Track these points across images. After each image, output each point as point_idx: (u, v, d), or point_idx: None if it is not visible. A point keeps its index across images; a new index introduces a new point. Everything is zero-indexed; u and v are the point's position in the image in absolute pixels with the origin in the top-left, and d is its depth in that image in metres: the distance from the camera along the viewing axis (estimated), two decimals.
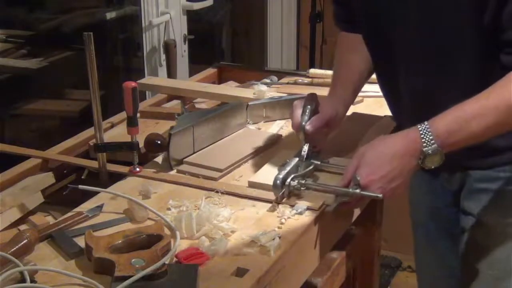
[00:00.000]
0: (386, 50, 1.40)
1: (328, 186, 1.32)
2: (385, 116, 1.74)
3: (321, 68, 2.24)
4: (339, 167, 1.37)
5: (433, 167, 1.23)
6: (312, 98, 1.42)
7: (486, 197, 1.42)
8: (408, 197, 1.68)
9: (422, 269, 1.73)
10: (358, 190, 1.23)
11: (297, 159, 1.35)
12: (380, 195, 1.22)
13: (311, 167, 1.36)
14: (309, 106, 1.39)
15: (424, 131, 1.22)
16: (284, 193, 1.29)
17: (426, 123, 1.23)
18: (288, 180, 1.29)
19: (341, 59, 1.56)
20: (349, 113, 1.67)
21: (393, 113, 1.55)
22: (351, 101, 1.52)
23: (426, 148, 1.21)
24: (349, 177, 1.26)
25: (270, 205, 1.30)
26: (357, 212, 1.48)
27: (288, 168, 1.31)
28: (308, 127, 1.37)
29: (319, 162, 1.39)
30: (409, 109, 1.42)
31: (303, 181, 1.31)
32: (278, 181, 1.27)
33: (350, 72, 1.51)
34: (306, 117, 1.38)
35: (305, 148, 1.38)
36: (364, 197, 1.26)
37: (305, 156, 1.37)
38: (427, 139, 1.21)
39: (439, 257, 1.63)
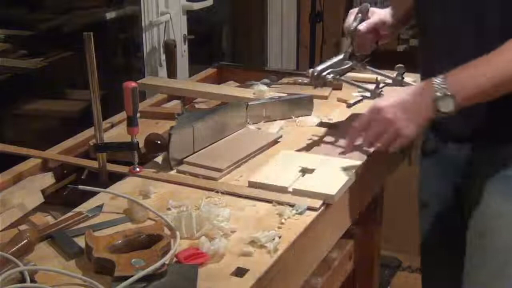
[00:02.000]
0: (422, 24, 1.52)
1: (355, 82, 1.58)
2: None
3: None
4: (375, 71, 1.60)
5: (447, 111, 1.29)
6: (364, 9, 1.61)
7: (493, 184, 1.42)
8: (416, 189, 1.68)
9: (427, 249, 1.72)
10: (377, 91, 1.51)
11: (339, 57, 1.59)
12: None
13: (347, 66, 1.59)
14: (359, 15, 1.60)
15: (437, 78, 1.30)
16: (318, 84, 1.52)
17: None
18: (324, 73, 1.52)
19: None
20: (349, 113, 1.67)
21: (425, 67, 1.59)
22: (402, 18, 1.67)
23: (438, 90, 1.28)
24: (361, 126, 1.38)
25: (270, 205, 1.30)
26: (358, 211, 1.48)
27: (328, 64, 1.54)
28: (361, 27, 1.58)
29: (358, 64, 1.60)
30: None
31: (337, 77, 1.54)
32: (315, 73, 1.51)
33: (397, 6, 1.68)
34: (355, 23, 1.60)
35: (349, 49, 1.60)
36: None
37: (347, 56, 1.59)
38: (438, 82, 1.29)
39: (445, 236, 1.63)
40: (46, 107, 2.31)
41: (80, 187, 1.34)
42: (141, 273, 1.03)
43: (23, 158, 1.55)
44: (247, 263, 1.11)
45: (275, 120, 1.75)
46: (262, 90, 1.86)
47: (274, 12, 3.41)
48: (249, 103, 1.72)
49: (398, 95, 1.34)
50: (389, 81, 1.65)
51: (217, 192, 1.35)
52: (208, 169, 1.44)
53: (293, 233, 1.21)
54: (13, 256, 1.07)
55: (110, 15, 2.44)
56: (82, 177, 1.56)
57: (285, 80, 2.07)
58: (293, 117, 1.74)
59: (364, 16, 1.61)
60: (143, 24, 2.35)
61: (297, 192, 1.32)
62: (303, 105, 1.76)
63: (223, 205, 1.30)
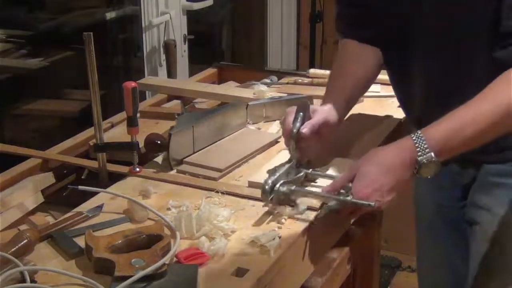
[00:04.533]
0: (400, 41, 1.40)
1: (318, 193, 1.29)
2: (385, 116, 1.74)
3: (321, 68, 2.24)
4: (330, 176, 1.35)
5: (429, 176, 1.23)
6: (304, 107, 1.38)
7: (502, 191, 1.41)
8: (413, 194, 1.68)
9: (424, 268, 1.73)
10: (349, 198, 1.21)
11: (287, 165, 1.32)
12: (373, 203, 1.20)
13: (301, 174, 1.33)
14: (301, 113, 1.35)
15: (418, 139, 1.21)
16: (272, 199, 1.25)
17: (419, 132, 1.22)
18: (277, 185, 1.25)
19: (337, 69, 1.53)
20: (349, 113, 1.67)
21: (402, 103, 1.54)
22: (344, 112, 1.48)
23: (421, 158, 1.20)
24: (339, 184, 1.25)
25: (270, 205, 1.30)
26: None
27: (277, 174, 1.27)
28: (304, 130, 1.33)
29: (309, 171, 1.35)
30: (420, 101, 1.41)
31: (292, 188, 1.27)
32: (266, 187, 1.23)
33: (344, 82, 1.48)
34: (298, 124, 1.34)
35: (296, 155, 1.34)
36: (357, 206, 1.23)
37: (295, 163, 1.33)
38: (421, 147, 1.21)
39: (442, 255, 1.63)
40: (46, 107, 2.31)
41: (80, 187, 1.34)
42: (141, 273, 1.03)
43: (23, 158, 1.55)
44: (247, 263, 1.11)
45: (275, 120, 1.75)
46: (262, 90, 1.86)
47: (274, 12, 3.41)
48: (249, 103, 1.72)
49: (379, 172, 1.22)
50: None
51: (217, 192, 1.35)
52: (208, 169, 1.44)
53: (293, 233, 1.21)
54: (13, 256, 1.07)
55: (110, 15, 2.44)
56: (82, 177, 1.56)
57: (285, 80, 2.07)
58: None
59: (305, 115, 1.35)
60: (143, 24, 2.35)
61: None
62: None
63: (223, 205, 1.30)
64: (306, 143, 1.35)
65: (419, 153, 1.20)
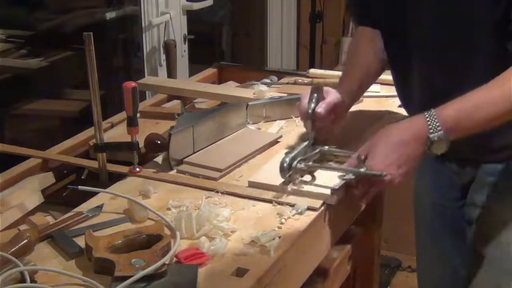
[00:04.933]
0: (401, 40, 1.42)
1: (333, 166, 1.36)
2: (386, 111, 1.75)
3: (321, 68, 2.24)
4: (345, 152, 1.39)
5: (439, 153, 1.26)
6: (318, 89, 1.44)
7: (501, 191, 1.42)
8: (413, 195, 1.68)
9: (424, 268, 1.74)
10: (363, 169, 1.25)
11: (304, 144, 1.37)
12: (385, 173, 1.24)
13: (317, 151, 1.38)
14: (315, 95, 1.42)
15: (431, 117, 1.24)
16: (290, 176, 1.30)
17: (432, 110, 1.25)
18: (295, 163, 1.30)
19: (351, 56, 1.60)
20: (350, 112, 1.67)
21: (403, 102, 1.56)
22: (357, 94, 1.55)
23: (433, 135, 1.24)
24: (354, 161, 1.28)
25: (270, 205, 1.30)
26: (358, 211, 1.48)
27: (295, 152, 1.33)
28: (319, 109, 1.39)
29: (326, 148, 1.41)
30: (420, 99, 1.43)
31: (309, 164, 1.33)
32: (284, 164, 1.29)
33: (358, 68, 1.54)
34: (312, 105, 1.40)
35: (312, 134, 1.40)
36: (370, 178, 1.26)
37: (311, 142, 1.39)
38: (433, 125, 1.24)
39: (442, 255, 1.64)
40: (46, 107, 2.31)
41: (80, 187, 1.34)
42: (141, 273, 1.03)
43: (23, 158, 1.55)
44: (247, 263, 1.11)
45: (275, 120, 1.75)
46: (262, 90, 1.86)
47: (274, 12, 3.41)
48: (249, 103, 1.72)
49: (392, 147, 1.26)
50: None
51: (217, 192, 1.35)
52: (208, 169, 1.44)
53: (293, 233, 1.21)
54: (13, 256, 1.07)
55: (110, 15, 2.44)
56: (82, 177, 1.56)
57: (285, 80, 2.07)
58: (293, 117, 1.74)
59: (319, 96, 1.42)
60: (143, 24, 2.35)
61: (297, 192, 1.32)
62: None
63: (223, 205, 1.30)
64: (321, 122, 1.41)
65: (431, 130, 1.24)
